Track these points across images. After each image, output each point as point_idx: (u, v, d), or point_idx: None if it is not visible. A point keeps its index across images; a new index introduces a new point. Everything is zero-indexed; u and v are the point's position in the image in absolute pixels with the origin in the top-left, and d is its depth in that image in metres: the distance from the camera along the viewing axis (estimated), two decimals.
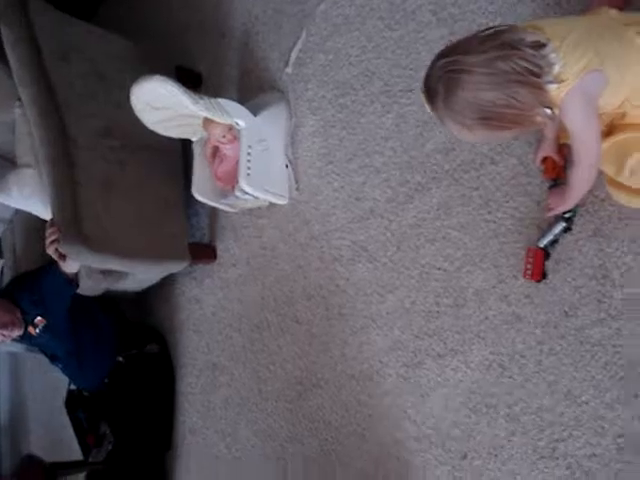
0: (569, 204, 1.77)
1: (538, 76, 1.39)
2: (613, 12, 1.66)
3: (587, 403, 1.83)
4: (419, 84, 2.18)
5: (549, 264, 1.92)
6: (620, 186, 1.71)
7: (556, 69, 1.42)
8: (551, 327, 1.91)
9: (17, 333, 2.87)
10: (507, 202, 2.03)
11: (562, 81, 1.43)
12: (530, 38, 1.41)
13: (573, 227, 1.87)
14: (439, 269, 2.18)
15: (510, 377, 1.99)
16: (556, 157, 1.88)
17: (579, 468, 1.83)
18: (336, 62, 2.58)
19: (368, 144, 2.43)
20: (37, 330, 2.91)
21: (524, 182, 2.00)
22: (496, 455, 2.00)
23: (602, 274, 1.83)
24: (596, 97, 1.50)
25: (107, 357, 3.16)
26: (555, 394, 1.89)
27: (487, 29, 1.43)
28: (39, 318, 2.89)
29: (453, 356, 2.12)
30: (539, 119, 1.44)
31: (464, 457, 2.07)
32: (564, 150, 1.86)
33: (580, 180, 1.65)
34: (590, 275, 1.85)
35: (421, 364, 2.20)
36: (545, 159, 1.91)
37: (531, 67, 1.38)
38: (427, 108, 1.50)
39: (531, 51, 1.39)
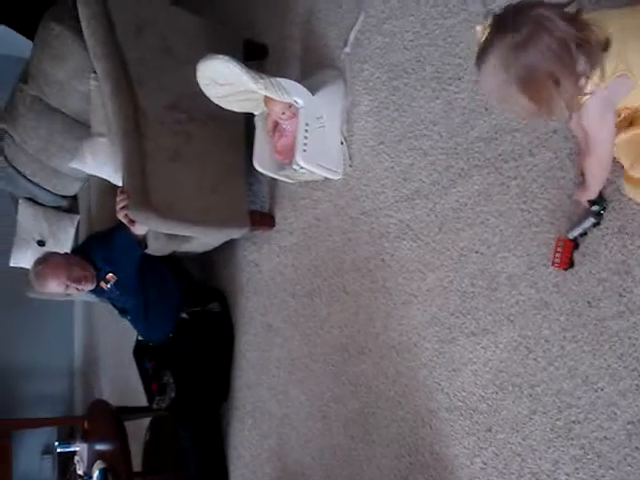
0: (587, 193, 1.86)
1: (581, 77, 1.43)
2: None
3: (602, 389, 1.94)
4: (467, 73, 2.30)
5: (577, 255, 2.01)
6: (632, 180, 1.79)
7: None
8: (575, 316, 2.01)
9: (90, 287, 3.14)
10: (542, 194, 2.12)
11: (589, 79, 1.46)
12: (600, 40, 1.43)
13: (602, 222, 1.94)
14: (476, 252, 2.30)
15: (535, 359, 2.11)
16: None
17: (591, 449, 1.95)
18: (391, 45, 2.68)
19: (417, 127, 2.54)
20: (108, 285, 3.15)
21: (558, 175, 2.08)
22: (518, 431, 2.13)
23: (625, 270, 1.92)
24: (617, 101, 1.56)
25: (172, 313, 3.39)
26: (574, 378, 2.00)
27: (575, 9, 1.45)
28: (110, 274, 3.14)
29: (484, 335, 2.25)
30: (559, 112, 1.47)
31: (489, 430, 2.21)
32: None
33: (593, 170, 1.73)
34: (614, 270, 1.94)
35: (455, 340, 2.33)
36: None
37: (584, 64, 1.42)
38: (479, 35, 1.50)
39: (593, 54, 1.42)
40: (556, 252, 2.03)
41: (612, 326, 1.93)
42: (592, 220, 1.94)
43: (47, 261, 3.06)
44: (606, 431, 1.92)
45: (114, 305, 3.38)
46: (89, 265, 3.14)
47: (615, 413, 1.91)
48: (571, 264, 2.01)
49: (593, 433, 1.95)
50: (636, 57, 1.51)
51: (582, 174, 1.95)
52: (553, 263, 2.04)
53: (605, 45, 1.45)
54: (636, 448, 1.86)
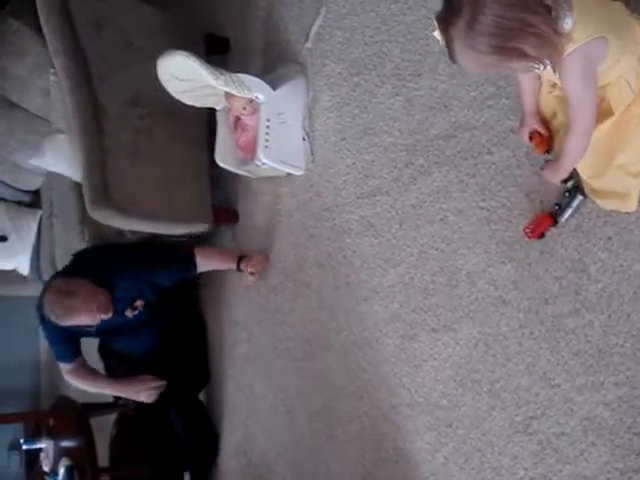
0: (562, 173, 1.82)
1: (554, 17, 1.40)
2: (620, 3, 1.71)
3: (559, 386, 1.96)
4: (427, 70, 2.31)
5: (534, 252, 2.03)
6: (594, 191, 1.81)
7: (569, 24, 1.44)
8: (532, 313, 2.04)
9: (110, 314, 2.94)
10: (500, 191, 2.14)
11: (570, 39, 1.45)
12: None
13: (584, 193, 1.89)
14: (436, 249, 2.31)
15: (493, 356, 2.13)
16: (541, 129, 1.91)
17: (549, 445, 1.98)
18: (352, 41, 2.67)
19: (378, 124, 2.54)
20: (135, 312, 3.10)
21: (516, 174, 2.10)
22: (477, 426, 2.16)
23: (580, 268, 1.94)
24: (595, 64, 1.54)
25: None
26: (532, 375, 2.03)
27: None
28: (139, 301, 3.10)
29: (445, 332, 2.27)
30: (553, 52, 1.44)
31: (450, 425, 2.23)
32: (546, 124, 1.92)
33: (572, 148, 1.69)
34: (570, 268, 1.96)
35: (416, 336, 2.35)
36: (532, 134, 1.93)
37: (547, 2, 1.38)
38: (437, 34, 1.48)
39: None
40: (532, 221, 2.02)
41: (568, 323, 1.95)
42: (580, 197, 1.91)
43: (76, 294, 2.83)
44: (563, 427, 1.95)
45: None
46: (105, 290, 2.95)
47: (572, 409, 1.94)
48: (541, 236, 2.02)
49: (550, 429, 1.98)
50: (613, 27, 1.52)
51: (537, 147, 1.93)
52: (525, 229, 2.03)
53: None
54: (592, 443, 1.89)
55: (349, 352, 2.61)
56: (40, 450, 3.84)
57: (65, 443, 3.59)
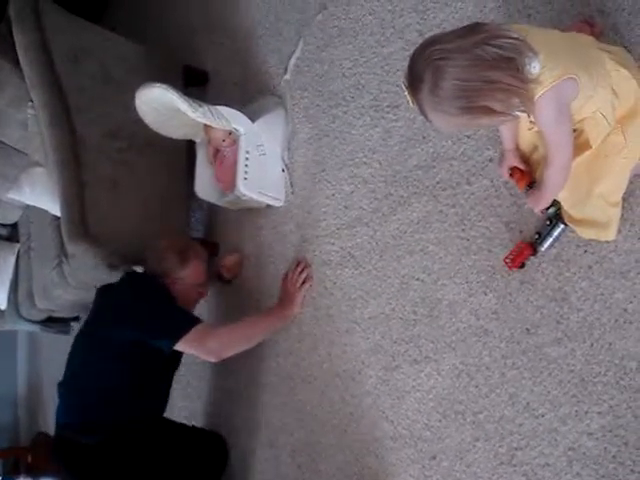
0: (544, 203, 1.84)
1: (518, 65, 1.43)
2: (590, 37, 1.74)
3: (543, 416, 1.95)
4: (405, 101, 2.31)
5: (514, 282, 2.04)
6: (574, 220, 1.82)
7: (537, 69, 1.46)
8: (514, 343, 2.03)
9: None
10: (479, 221, 2.14)
11: (539, 82, 1.47)
12: (512, 33, 1.44)
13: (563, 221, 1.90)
14: (417, 280, 2.31)
15: (476, 387, 2.12)
16: (521, 165, 1.93)
17: (534, 476, 1.96)
18: (330, 73, 2.69)
19: (357, 155, 2.55)
20: None
21: (495, 204, 2.11)
22: (462, 458, 2.14)
23: (561, 297, 1.94)
24: (567, 103, 1.56)
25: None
26: (515, 405, 2.02)
27: (470, 23, 1.48)
28: None
29: (427, 363, 2.25)
30: (518, 105, 1.47)
31: (433, 458, 2.21)
32: (526, 159, 1.94)
33: (553, 181, 1.72)
34: (550, 297, 1.96)
35: (398, 368, 2.34)
36: (512, 171, 1.95)
37: (509, 54, 1.41)
38: (408, 100, 1.52)
39: (510, 41, 1.42)
40: (512, 251, 2.03)
41: (550, 353, 1.95)
42: (561, 226, 1.92)
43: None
44: (547, 457, 1.94)
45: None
46: None
47: (556, 439, 1.93)
48: (522, 266, 2.02)
49: (535, 459, 1.96)
50: (582, 66, 1.54)
51: (518, 183, 1.95)
52: (505, 260, 2.03)
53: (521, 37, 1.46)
54: (577, 474, 1.87)
55: (331, 385, 2.59)
56: None
57: None
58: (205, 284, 2.87)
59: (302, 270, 2.73)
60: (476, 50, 1.40)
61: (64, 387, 2.80)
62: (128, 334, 2.54)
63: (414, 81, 1.47)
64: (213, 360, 2.61)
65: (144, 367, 2.64)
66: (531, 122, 1.72)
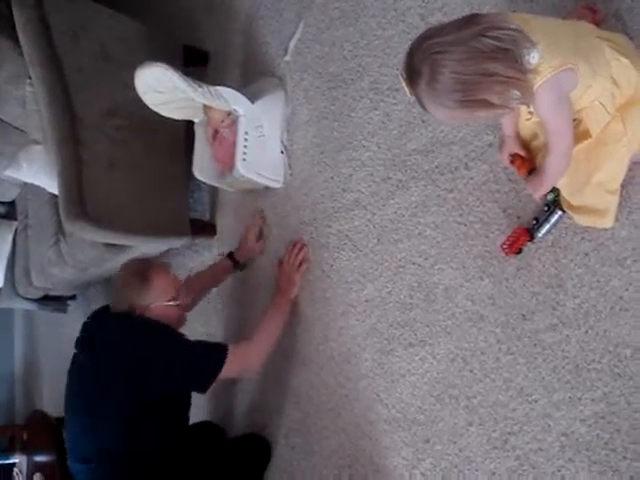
0: (544, 190, 1.84)
1: (515, 56, 1.43)
2: (590, 25, 1.74)
3: (537, 401, 1.96)
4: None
5: (511, 268, 2.04)
6: (573, 207, 1.82)
7: (535, 59, 1.45)
8: (510, 328, 2.04)
9: None
10: (477, 207, 2.14)
11: (538, 72, 1.47)
12: (510, 24, 1.44)
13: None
14: (414, 264, 2.31)
15: (471, 371, 2.12)
16: (522, 152, 1.94)
17: (526, 461, 1.97)
18: (331, 55, 2.68)
19: (356, 138, 2.54)
20: None
21: (493, 189, 2.10)
22: (455, 442, 2.15)
23: (557, 283, 1.94)
24: (567, 93, 1.57)
25: None
26: (509, 390, 2.03)
27: (467, 15, 1.47)
28: None
29: (422, 347, 2.26)
30: (518, 95, 1.46)
31: (427, 441, 2.22)
32: (526, 146, 1.95)
33: (553, 168, 1.72)
34: (547, 283, 1.97)
35: (393, 351, 2.34)
36: (513, 158, 1.96)
37: (506, 45, 1.41)
38: (407, 91, 1.52)
39: (507, 32, 1.42)
40: (509, 237, 2.03)
41: (546, 339, 1.95)
42: (559, 213, 1.92)
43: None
44: (540, 442, 1.95)
45: None
46: None
47: (549, 425, 1.93)
48: (519, 252, 2.02)
49: (528, 445, 1.97)
50: (582, 56, 1.54)
51: (519, 170, 1.95)
52: (502, 245, 2.03)
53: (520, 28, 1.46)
54: (569, 459, 1.88)
55: (326, 367, 2.59)
56: (13, 465, 3.79)
57: (38, 458, 3.55)
58: (178, 296, 2.49)
59: (299, 251, 2.71)
60: (473, 42, 1.40)
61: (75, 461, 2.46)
62: (150, 389, 2.29)
63: (412, 74, 1.47)
64: (254, 372, 2.59)
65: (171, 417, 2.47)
66: (530, 112, 1.72)
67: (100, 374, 2.34)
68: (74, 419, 2.48)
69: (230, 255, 2.99)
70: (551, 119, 1.62)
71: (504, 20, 1.45)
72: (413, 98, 1.52)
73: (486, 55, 1.40)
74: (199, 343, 2.44)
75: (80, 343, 2.51)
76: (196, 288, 2.87)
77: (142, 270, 2.45)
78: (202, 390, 2.39)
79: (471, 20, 1.44)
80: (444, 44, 1.41)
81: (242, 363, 2.47)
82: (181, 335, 2.43)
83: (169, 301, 2.45)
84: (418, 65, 1.44)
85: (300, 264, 2.70)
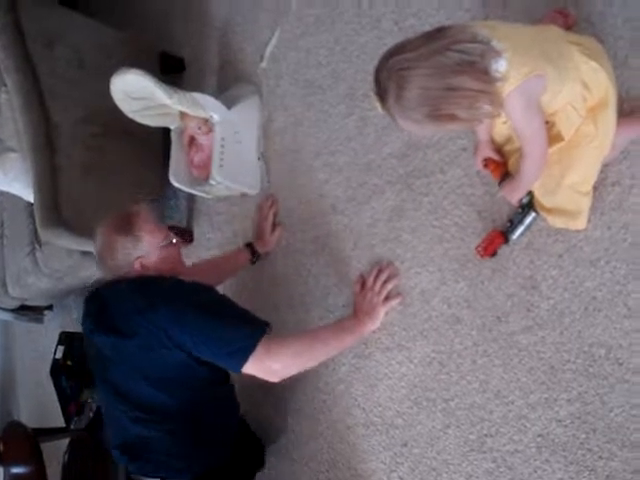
0: (520, 194, 1.88)
1: (482, 68, 1.45)
2: (560, 30, 1.76)
3: (513, 403, 1.97)
4: None
5: (487, 270, 2.05)
6: (545, 208, 1.84)
7: (503, 67, 1.48)
8: (485, 330, 2.05)
9: None
10: (452, 210, 2.16)
11: (507, 80, 1.49)
12: (476, 35, 1.47)
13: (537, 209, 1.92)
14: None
15: (448, 374, 2.13)
16: (496, 157, 1.98)
17: (503, 462, 1.98)
18: (306, 61, 2.69)
19: (332, 143, 2.55)
20: None
21: (468, 192, 2.12)
22: (432, 445, 2.15)
23: (532, 285, 1.96)
24: (536, 98, 1.59)
25: None
26: (486, 392, 2.04)
27: (433, 28, 1.50)
28: None
29: (399, 351, 2.26)
30: (486, 108, 1.49)
31: (405, 445, 2.22)
32: (500, 150, 1.98)
33: (529, 172, 1.75)
34: (521, 285, 1.98)
35: (371, 355, 2.34)
36: (487, 162, 2.00)
37: (471, 58, 1.43)
38: (379, 108, 1.55)
39: (472, 45, 1.44)
40: (484, 240, 2.04)
41: (521, 340, 1.97)
42: (533, 214, 1.93)
43: None
44: (517, 444, 1.96)
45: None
46: None
47: (525, 426, 1.95)
48: (494, 254, 2.04)
49: (505, 446, 1.98)
50: (550, 63, 1.56)
51: (493, 173, 1.99)
52: (477, 248, 2.05)
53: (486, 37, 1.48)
54: (546, 460, 1.89)
55: (304, 372, 2.57)
56: None
57: (15, 470, 3.50)
58: (170, 234, 2.31)
59: (386, 280, 2.32)
60: (438, 57, 1.42)
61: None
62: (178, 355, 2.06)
63: (380, 91, 1.50)
64: (273, 381, 2.12)
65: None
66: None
67: (132, 352, 2.10)
68: (114, 406, 2.21)
69: (249, 245, 2.77)
70: (523, 125, 1.64)
71: (469, 32, 1.47)
72: (384, 113, 1.55)
73: (452, 69, 1.43)
74: (231, 311, 2.17)
75: (95, 327, 2.19)
76: (210, 272, 2.64)
77: (123, 223, 2.20)
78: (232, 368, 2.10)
79: (436, 34, 1.47)
80: (409, 60, 1.44)
81: (263, 367, 2.07)
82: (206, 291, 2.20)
83: (164, 241, 2.24)
84: (385, 82, 1.47)
85: (387, 297, 2.31)
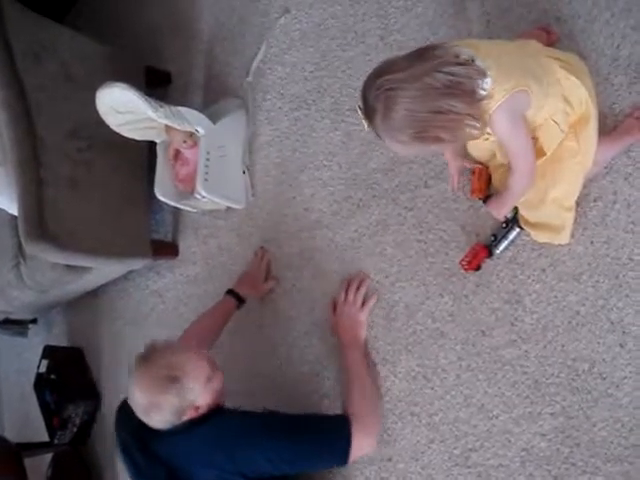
0: (506, 210, 1.89)
1: (469, 89, 1.46)
2: (539, 45, 1.77)
3: (497, 417, 1.98)
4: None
5: (470, 285, 2.06)
6: (529, 223, 1.85)
7: (488, 85, 1.49)
8: (470, 345, 2.06)
9: None
10: (437, 224, 2.17)
11: (492, 97, 1.50)
12: (460, 54, 1.48)
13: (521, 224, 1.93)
14: (375, 282, 2.33)
15: (432, 388, 2.13)
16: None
17: (487, 477, 1.98)
18: (292, 76, 2.70)
19: (317, 158, 2.56)
20: None
21: (452, 207, 2.13)
22: (417, 459, 2.15)
23: (516, 299, 1.97)
24: (521, 113, 1.60)
25: None
26: (470, 407, 2.04)
27: (420, 47, 1.51)
28: None
29: (384, 365, 2.27)
30: (471, 130, 1.50)
31: (389, 459, 2.22)
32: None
33: (516, 188, 1.76)
34: (505, 299, 1.99)
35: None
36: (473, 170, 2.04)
37: (459, 79, 1.44)
38: (365, 125, 1.55)
39: (459, 67, 1.45)
40: (468, 254, 2.06)
41: (505, 355, 1.98)
42: (516, 229, 1.95)
43: None
44: (501, 458, 1.96)
45: None
46: None
47: (509, 440, 1.95)
48: (478, 268, 2.05)
49: (489, 460, 1.99)
50: (533, 78, 1.57)
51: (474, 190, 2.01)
52: (461, 262, 2.07)
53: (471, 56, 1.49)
54: (530, 475, 1.90)
55: (290, 388, 2.58)
56: None
57: None
58: (214, 366, 2.08)
59: (359, 286, 2.36)
60: (426, 79, 1.43)
61: None
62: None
63: (367, 110, 1.51)
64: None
65: None
66: (488, 133, 1.74)
67: None
68: None
69: (230, 292, 2.64)
70: (510, 141, 1.65)
71: (456, 52, 1.48)
72: (370, 130, 1.55)
73: (440, 91, 1.43)
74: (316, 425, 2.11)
75: None
76: (209, 335, 2.52)
77: (167, 369, 1.94)
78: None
79: (424, 54, 1.47)
80: (397, 81, 1.44)
81: (358, 454, 2.09)
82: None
83: (209, 380, 2.01)
84: (372, 102, 1.48)
85: (364, 302, 2.34)
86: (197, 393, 1.95)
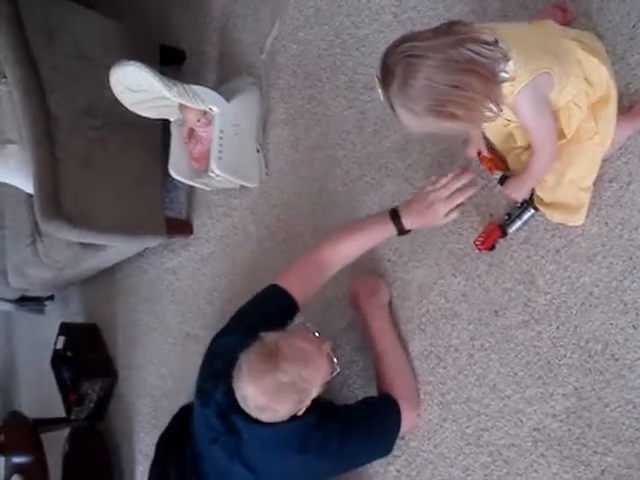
0: (525, 191, 1.87)
1: (491, 70, 1.44)
2: (557, 26, 1.75)
3: (509, 397, 1.98)
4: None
5: (483, 265, 2.06)
6: (543, 203, 1.84)
7: (510, 67, 1.47)
8: (482, 325, 2.06)
9: None
10: None
11: (515, 79, 1.49)
12: (484, 35, 1.45)
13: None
14: (388, 261, 2.33)
15: (445, 368, 2.14)
16: (486, 152, 1.99)
17: (500, 456, 1.99)
18: (306, 54, 2.68)
19: (331, 136, 2.55)
20: None
21: None
22: (429, 438, 2.16)
23: (529, 280, 1.97)
24: (545, 96, 1.59)
25: None
26: (482, 387, 2.04)
27: (445, 22, 1.48)
28: None
29: None
30: (487, 113, 1.48)
31: (402, 438, 2.22)
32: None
33: (537, 169, 1.75)
34: (519, 280, 1.99)
35: (368, 350, 2.34)
36: (481, 158, 2.01)
37: (482, 59, 1.42)
38: (379, 93, 1.53)
39: (484, 47, 1.43)
40: (482, 233, 2.05)
41: (518, 335, 1.98)
42: (531, 210, 1.94)
43: None
44: (513, 438, 1.97)
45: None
46: None
47: (521, 420, 1.96)
48: (492, 248, 2.04)
49: (501, 440, 1.99)
50: (554, 59, 1.56)
51: (484, 164, 2.00)
52: (475, 242, 2.06)
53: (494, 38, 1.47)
54: (542, 455, 1.90)
55: None
56: None
57: (16, 459, 3.52)
58: (333, 359, 2.03)
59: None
60: (450, 51, 1.40)
61: None
62: None
63: (386, 75, 1.47)
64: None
65: None
66: (507, 119, 1.73)
67: None
68: None
69: (395, 216, 1.98)
70: (534, 124, 1.63)
71: (480, 32, 1.46)
72: (386, 101, 1.53)
73: (461, 66, 1.41)
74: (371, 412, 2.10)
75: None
76: (341, 260, 2.20)
77: (296, 378, 1.82)
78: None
79: (449, 29, 1.45)
80: (422, 48, 1.41)
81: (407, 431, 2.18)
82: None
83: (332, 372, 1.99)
84: (392, 66, 1.44)
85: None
86: (313, 396, 1.90)
